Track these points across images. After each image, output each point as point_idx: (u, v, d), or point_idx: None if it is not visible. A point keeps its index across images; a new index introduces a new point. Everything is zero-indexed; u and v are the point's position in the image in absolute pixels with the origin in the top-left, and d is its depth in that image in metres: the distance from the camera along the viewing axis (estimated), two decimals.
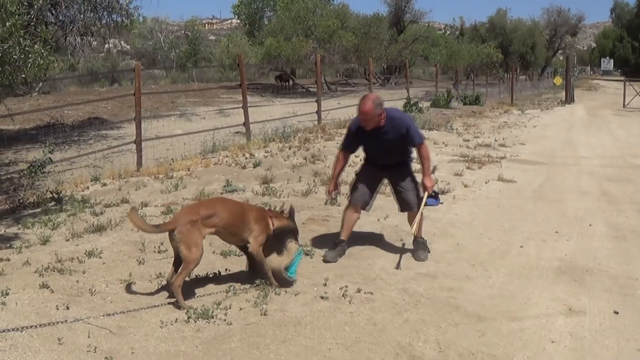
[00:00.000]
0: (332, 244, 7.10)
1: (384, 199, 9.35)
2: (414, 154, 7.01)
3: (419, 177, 7.05)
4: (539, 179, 12.00)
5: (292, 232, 6.26)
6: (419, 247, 7.10)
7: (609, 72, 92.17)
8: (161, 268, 6.43)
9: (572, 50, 74.25)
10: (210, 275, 6.35)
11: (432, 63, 47.49)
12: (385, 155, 6.91)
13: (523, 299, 6.01)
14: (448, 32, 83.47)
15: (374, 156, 7.05)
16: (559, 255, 7.34)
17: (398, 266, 6.71)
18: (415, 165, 7.11)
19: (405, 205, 7.09)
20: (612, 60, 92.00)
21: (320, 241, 7.44)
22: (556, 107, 33.38)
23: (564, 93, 37.48)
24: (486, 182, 11.36)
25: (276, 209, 6.65)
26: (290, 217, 6.32)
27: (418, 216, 7.01)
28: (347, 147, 7.12)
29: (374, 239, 7.65)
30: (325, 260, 6.81)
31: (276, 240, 6.16)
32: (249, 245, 5.99)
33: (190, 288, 5.93)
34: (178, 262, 5.68)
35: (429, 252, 7.10)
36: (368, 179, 7.08)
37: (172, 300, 5.61)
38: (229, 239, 6.14)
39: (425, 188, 6.88)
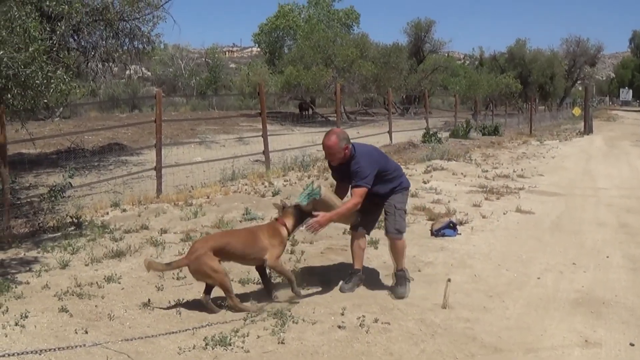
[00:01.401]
0: (347, 274, 7.10)
1: None
2: (400, 183, 6.85)
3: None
4: (557, 210, 11.96)
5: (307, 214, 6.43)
6: (398, 282, 6.89)
7: (627, 102, 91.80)
8: (179, 294, 6.48)
9: (590, 81, 74.04)
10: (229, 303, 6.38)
11: (452, 93, 47.56)
12: None
13: (540, 331, 5.99)
14: (467, 62, 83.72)
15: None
16: (576, 287, 7.31)
17: (445, 303, 6.53)
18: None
19: (385, 229, 6.94)
20: (630, 91, 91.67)
21: (338, 270, 7.45)
22: (575, 137, 33.31)
23: (582, 124, 37.39)
24: (504, 213, 11.34)
25: (283, 203, 6.69)
26: (294, 206, 6.52)
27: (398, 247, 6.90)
28: (337, 180, 6.93)
29: (392, 269, 7.62)
30: (341, 291, 6.81)
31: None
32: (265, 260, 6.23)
33: (207, 315, 5.98)
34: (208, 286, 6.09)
35: (409, 281, 6.93)
36: (363, 207, 6.64)
37: (191, 327, 5.66)
38: (248, 263, 6.43)
39: (313, 221, 6.31)
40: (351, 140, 6.54)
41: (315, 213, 6.33)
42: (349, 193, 6.66)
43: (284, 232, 6.32)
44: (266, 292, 6.51)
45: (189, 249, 6.37)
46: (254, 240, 6.20)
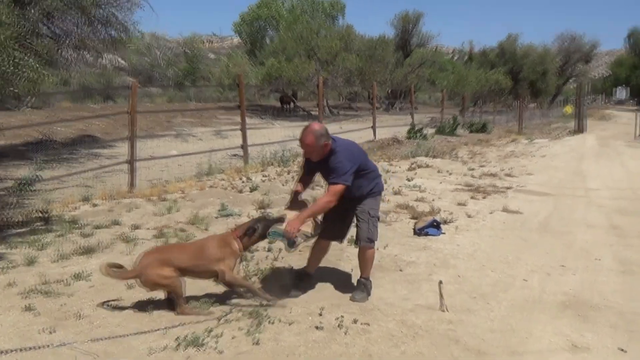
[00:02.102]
0: (296, 278, 7.05)
1: (383, 228, 9.41)
2: (377, 184, 6.79)
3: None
4: (546, 211, 12.02)
5: (266, 227, 6.34)
6: (359, 288, 6.83)
7: (622, 101, 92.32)
8: (151, 293, 6.46)
9: (585, 78, 74.11)
10: (202, 302, 6.38)
11: (439, 88, 47.74)
12: None
13: (525, 334, 6.03)
14: (456, 56, 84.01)
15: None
16: (563, 290, 7.36)
17: (442, 307, 6.55)
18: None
19: (356, 237, 6.91)
20: (627, 89, 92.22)
21: (317, 270, 7.41)
22: (566, 136, 33.48)
23: (574, 122, 37.57)
24: (490, 213, 11.40)
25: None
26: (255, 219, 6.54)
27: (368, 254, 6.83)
28: (305, 172, 6.79)
29: (373, 269, 7.57)
30: (289, 297, 6.66)
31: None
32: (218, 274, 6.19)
33: (179, 315, 5.98)
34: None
35: (369, 295, 6.80)
36: (333, 211, 6.50)
37: (162, 327, 5.65)
38: (199, 277, 6.34)
39: (285, 231, 6.15)
40: (332, 135, 6.48)
41: (285, 229, 6.17)
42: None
43: (235, 245, 6.23)
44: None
45: (138, 260, 6.27)
46: (202, 253, 6.17)
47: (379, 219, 6.88)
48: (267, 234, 6.27)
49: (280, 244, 7.49)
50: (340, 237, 7.02)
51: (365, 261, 6.82)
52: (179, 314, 5.99)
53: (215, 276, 6.23)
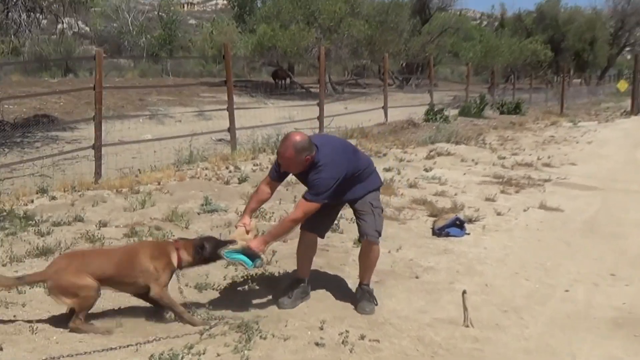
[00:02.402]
0: (287, 285, 7.05)
1: (396, 227, 9.43)
2: (373, 183, 6.82)
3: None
4: (593, 208, 12.03)
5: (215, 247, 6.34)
6: (364, 297, 6.86)
7: None
8: (120, 302, 6.47)
9: None
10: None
11: (463, 61, 47.64)
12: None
13: (567, 356, 6.03)
14: (485, 22, 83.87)
15: None
16: (615, 304, 7.34)
17: (466, 321, 6.56)
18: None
19: (360, 232, 6.86)
20: None
21: (318, 276, 7.46)
22: (619, 118, 33.45)
23: (629, 101, 37.36)
24: (525, 210, 11.41)
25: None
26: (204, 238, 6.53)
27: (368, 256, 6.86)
28: (274, 175, 6.77)
29: (384, 275, 7.68)
30: (279, 307, 6.71)
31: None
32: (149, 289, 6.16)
33: (154, 327, 6.00)
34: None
35: (376, 304, 6.86)
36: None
37: (133, 342, 5.67)
38: (123, 289, 6.32)
39: (247, 247, 6.25)
40: (315, 139, 6.47)
41: (249, 243, 6.25)
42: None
43: (174, 258, 6.19)
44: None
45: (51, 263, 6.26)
46: (131, 261, 6.11)
47: (382, 211, 6.93)
48: (221, 256, 6.26)
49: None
50: (323, 230, 7.02)
51: (369, 261, 6.85)
52: (72, 329, 5.91)
53: (142, 291, 6.22)
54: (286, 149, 6.23)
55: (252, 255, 6.19)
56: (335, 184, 6.30)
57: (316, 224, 6.80)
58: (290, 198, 10.84)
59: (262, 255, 6.31)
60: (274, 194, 6.93)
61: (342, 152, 6.60)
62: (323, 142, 6.57)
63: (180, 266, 6.27)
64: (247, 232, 6.45)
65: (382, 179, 7.11)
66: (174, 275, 6.25)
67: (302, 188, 6.64)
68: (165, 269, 6.14)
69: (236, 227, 6.64)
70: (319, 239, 7.08)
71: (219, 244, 6.33)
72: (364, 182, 6.67)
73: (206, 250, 6.26)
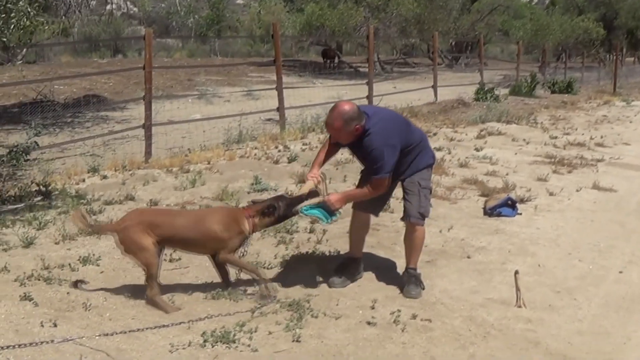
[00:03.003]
0: (339, 264, 7.05)
1: (447, 206, 9.39)
2: (426, 158, 6.77)
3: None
4: None
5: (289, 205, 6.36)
6: (410, 281, 6.78)
7: None
8: (172, 279, 6.53)
9: None
10: (232, 290, 6.45)
11: (514, 40, 47.18)
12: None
13: (622, 338, 5.99)
14: (535, 0, 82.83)
15: (362, 165, 6.81)
16: None
17: (519, 302, 6.55)
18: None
19: (404, 212, 6.81)
20: None
21: (369, 255, 7.46)
22: None
23: None
24: (577, 190, 11.30)
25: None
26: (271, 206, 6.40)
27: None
28: (332, 142, 6.76)
29: (435, 255, 7.68)
30: (330, 286, 6.74)
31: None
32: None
33: (205, 305, 6.05)
34: None
35: (423, 288, 6.78)
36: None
37: (186, 320, 5.72)
38: (190, 250, 6.48)
39: (326, 201, 6.32)
40: (365, 109, 6.44)
41: (325, 197, 6.31)
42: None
43: (245, 225, 6.20)
44: (224, 284, 6.50)
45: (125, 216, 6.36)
46: (201, 227, 6.17)
47: (430, 191, 6.89)
48: (298, 212, 6.30)
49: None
50: (377, 209, 7.02)
51: (414, 243, 6.79)
52: (147, 299, 6.04)
53: (211, 254, 6.33)
54: (334, 119, 6.20)
55: (328, 210, 6.23)
56: (393, 153, 6.27)
57: (370, 203, 6.78)
58: (340, 177, 10.83)
59: (339, 211, 6.32)
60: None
61: (393, 120, 6.58)
62: (374, 111, 6.57)
63: (253, 231, 6.32)
64: (317, 184, 6.46)
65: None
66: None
67: (352, 167, 6.64)
68: (236, 237, 6.19)
69: (306, 180, 6.62)
70: (371, 218, 7.08)
71: (292, 202, 6.33)
72: (416, 158, 6.62)
73: (279, 210, 6.28)
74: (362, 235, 7.08)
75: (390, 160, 6.23)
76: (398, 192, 7.20)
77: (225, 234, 6.13)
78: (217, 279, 6.43)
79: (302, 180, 10.56)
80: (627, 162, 14.33)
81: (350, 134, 6.24)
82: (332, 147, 6.75)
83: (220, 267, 6.45)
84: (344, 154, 10.77)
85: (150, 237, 5.94)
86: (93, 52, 43.34)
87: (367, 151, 6.28)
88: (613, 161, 14.28)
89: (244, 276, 6.61)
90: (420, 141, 6.72)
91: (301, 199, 6.30)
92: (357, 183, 6.97)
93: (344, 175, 10.94)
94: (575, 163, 13.58)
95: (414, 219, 6.63)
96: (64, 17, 17.72)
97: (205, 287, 6.47)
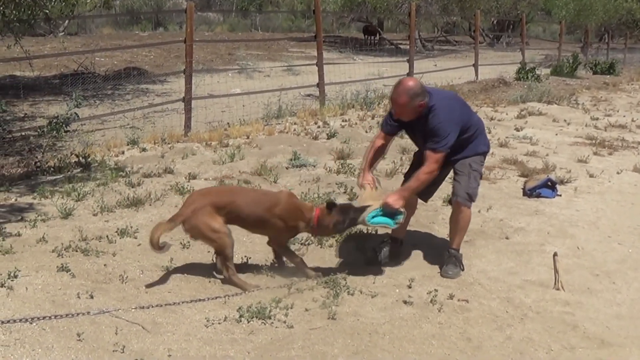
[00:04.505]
0: (379, 243, 7.02)
1: (486, 186, 9.30)
2: (481, 144, 6.75)
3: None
4: None
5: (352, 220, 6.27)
6: (450, 261, 6.72)
7: None
8: (210, 254, 6.52)
9: None
10: (269, 266, 6.45)
11: (556, 19, 46.68)
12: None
13: None
14: None
15: (419, 147, 6.79)
16: None
17: (557, 284, 6.46)
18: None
19: (452, 192, 6.76)
20: None
21: (407, 234, 7.32)
22: None
23: None
24: (618, 173, 11.16)
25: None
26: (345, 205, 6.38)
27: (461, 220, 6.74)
28: (387, 129, 6.78)
29: (473, 235, 7.60)
30: (368, 264, 6.71)
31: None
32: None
33: (245, 279, 6.03)
34: None
35: (462, 269, 6.73)
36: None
37: (222, 294, 5.72)
38: (248, 228, 6.38)
39: (385, 204, 6.22)
40: (428, 88, 6.40)
41: (386, 200, 6.22)
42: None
43: (304, 224, 6.18)
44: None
45: (184, 202, 6.28)
46: (265, 208, 6.09)
47: (481, 176, 6.83)
48: (361, 223, 6.26)
49: None
50: (427, 194, 6.97)
51: (459, 224, 6.73)
52: (226, 282, 6.01)
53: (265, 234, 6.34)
54: (399, 94, 6.18)
55: (390, 213, 6.18)
56: (455, 131, 6.26)
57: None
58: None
59: (402, 210, 6.25)
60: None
61: (455, 99, 6.65)
62: (435, 90, 6.56)
63: (316, 233, 6.35)
64: (373, 189, 6.43)
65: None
66: None
67: (391, 144, 6.57)
68: (292, 230, 6.20)
69: (360, 187, 6.61)
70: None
71: (357, 212, 6.22)
72: (472, 143, 6.60)
73: (344, 224, 6.22)
74: (409, 217, 7.00)
75: (452, 136, 6.23)
76: None
77: (283, 224, 6.10)
78: (256, 254, 6.41)
79: (341, 156, 10.54)
80: None
81: (414, 110, 6.22)
82: (384, 142, 6.76)
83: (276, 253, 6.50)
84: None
85: (219, 217, 5.91)
86: (134, 25, 43.52)
87: (430, 126, 6.24)
88: None
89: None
90: (478, 126, 6.72)
91: (363, 209, 6.22)
92: (405, 173, 6.99)
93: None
94: (616, 145, 13.42)
95: (461, 199, 6.58)
96: None
97: (244, 265, 6.46)
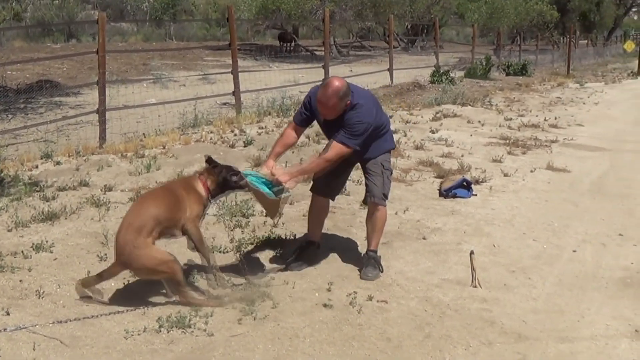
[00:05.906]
0: (296, 247, 7.02)
1: (403, 188, 9.41)
2: (390, 141, 6.82)
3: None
4: (600, 169, 12.02)
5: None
6: (369, 263, 6.75)
7: None
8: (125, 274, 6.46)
9: None
10: (187, 275, 6.39)
11: (469, 23, 47.32)
12: None
13: (576, 316, 6.04)
14: None
15: (329, 138, 6.65)
16: (623, 264, 7.35)
17: (474, 282, 6.57)
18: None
19: (368, 193, 6.77)
20: None
21: (325, 238, 7.40)
22: (626, 79, 33.30)
23: (636, 62, 37.18)
24: (532, 171, 11.39)
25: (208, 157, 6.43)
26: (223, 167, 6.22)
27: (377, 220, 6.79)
28: (299, 120, 6.72)
29: (391, 237, 7.68)
30: (287, 270, 6.70)
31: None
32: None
33: (160, 289, 5.99)
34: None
35: (381, 271, 6.75)
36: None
37: (141, 305, 5.70)
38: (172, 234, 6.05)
39: (270, 175, 6.28)
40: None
41: (273, 173, 6.22)
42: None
43: (203, 192, 6.00)
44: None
45: (114, 247, 5.90)
46: (178, 203, 5.88)
47: (391, 174, 6.91)
48: (244, 181, 6.08)
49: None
50: (332, 192, 6.99)
51: (376, 225, 6.78)
52: (184, 303, 5.76)
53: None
54: (329, 97, 6.16)
55: (275, 187, 6.16)
56: (370, 130, 6.31)
57: (327, 187, 6.83)
58: (296, 160, 10.78)
59: (288, 190, 6.20)
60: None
61: (371, 99, 6.65)
62: (353, 86, 6.51)
63: (210, 196, 6.08)
64: (272, 174, 6.37)
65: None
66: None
67: (308, 150, 6.62)
68: (197, 203, 5.96)
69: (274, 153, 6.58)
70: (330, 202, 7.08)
71: (237, 173, 6.12)
72: (379, 141, 6.62)
73: (228, 173, 6.07)
74: (321, 218, 7.06)
75: (364, 135, 6.28)
76: (354, 175, 7.24)
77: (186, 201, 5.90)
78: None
79: (258, 163, 10.54)
80: (580, 142, 14.49)
81: (341, 109, 6.25)
82: (295, 133, 6.72)
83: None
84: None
85: (152, 239, 5.66)
86: (46, 37, 42.88)
87: (348, 122, 6.25)
88: (567, 142, 14.44)
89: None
90: (386, 125, 6.75)
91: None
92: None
93: (300, 158, 10.90)
94: (530, 144, 13.70)
95: (378, 199, 6.63)
96: (15, 2, 17.49)
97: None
